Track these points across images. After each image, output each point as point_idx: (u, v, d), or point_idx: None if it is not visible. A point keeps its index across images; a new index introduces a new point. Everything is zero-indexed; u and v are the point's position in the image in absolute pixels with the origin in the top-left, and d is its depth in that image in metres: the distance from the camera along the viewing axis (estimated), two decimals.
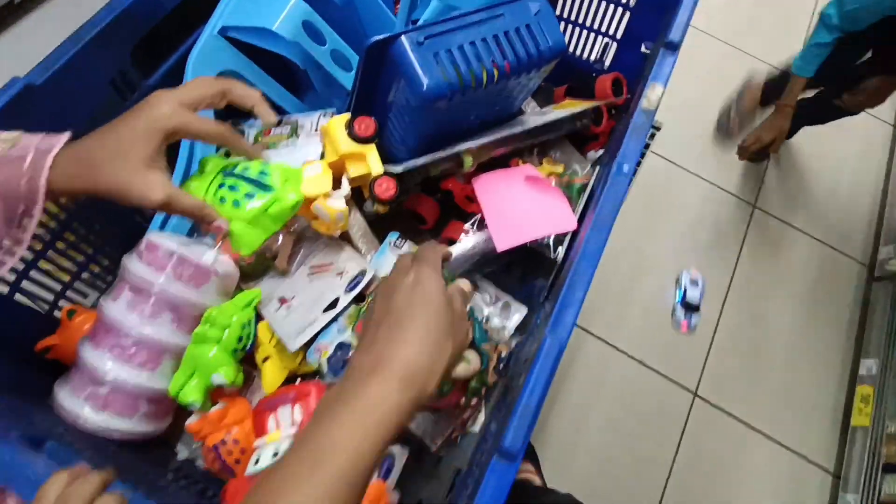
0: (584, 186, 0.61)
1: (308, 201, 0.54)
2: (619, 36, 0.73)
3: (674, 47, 0.48)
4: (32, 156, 0.37)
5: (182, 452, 0.56)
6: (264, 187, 0.47)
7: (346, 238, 0.61)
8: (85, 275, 0.58)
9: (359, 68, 0.53)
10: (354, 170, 0.55)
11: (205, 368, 0.49)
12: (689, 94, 1.57)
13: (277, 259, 0.60)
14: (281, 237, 0.60)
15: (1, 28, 0.51)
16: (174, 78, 0.54)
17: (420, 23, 0.66)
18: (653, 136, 0.79)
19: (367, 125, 0.53)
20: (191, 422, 0.51)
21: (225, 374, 0.49)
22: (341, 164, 0.56)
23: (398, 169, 0.55)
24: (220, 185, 0.46)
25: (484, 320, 0.62)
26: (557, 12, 0.74)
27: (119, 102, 0.52)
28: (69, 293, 0.57)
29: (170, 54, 0.55)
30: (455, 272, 0.62)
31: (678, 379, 1.30)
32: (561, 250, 0.57)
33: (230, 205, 0.45)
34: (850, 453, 1.22)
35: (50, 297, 0.55)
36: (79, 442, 0.45)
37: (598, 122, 0.72)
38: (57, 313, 0.56)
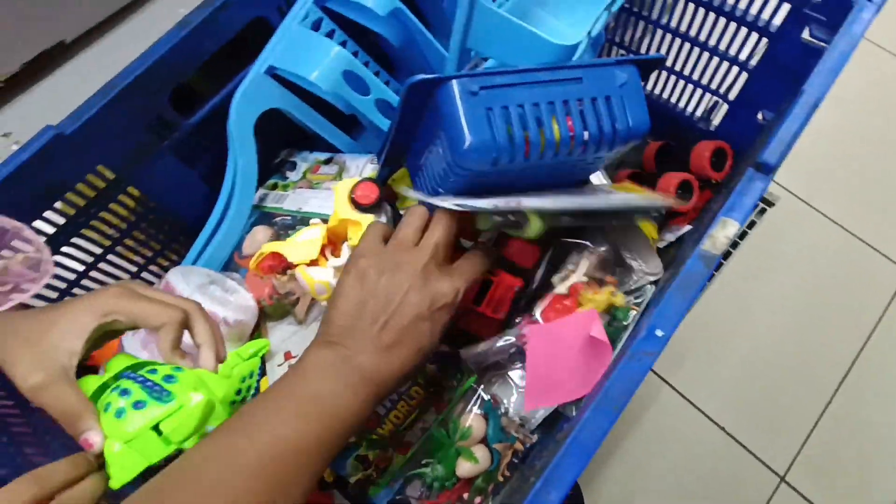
0: (633, 318, 0.51)
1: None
2: (731, 97, 0.60)
3: (768, 170, 0.37)
4: None
5: None
6: (161, 396, 0.35)
7: None
8: None
9: (397, 110, 0.47)
10: (354, 238, 0.51)
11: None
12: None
13: (298, 308, 0.58)
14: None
15: (53, 67, 0.53)
16: (219, 117, 0.54)
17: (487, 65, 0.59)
18: (763, 211, 0.66)
19: (367, 193, 0.49)
20: None
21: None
22: (341, 235, 0.53)
23: (447, 203, 0.48)
24: (113, 388, 0.36)
25: (502, 412, 0.56)
26: None
27: (153, 143, 0.52)
28: None
29: (214, 94, 0.54)
30: (480, 366, 0.56)
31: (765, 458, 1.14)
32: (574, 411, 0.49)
33: (112, 414, 0.34)
34: None
35: None
36: None
37: (688, 197, 0.61)
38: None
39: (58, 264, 0.48)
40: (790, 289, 1.25)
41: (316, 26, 0.55)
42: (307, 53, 0.51)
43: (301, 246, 0.49)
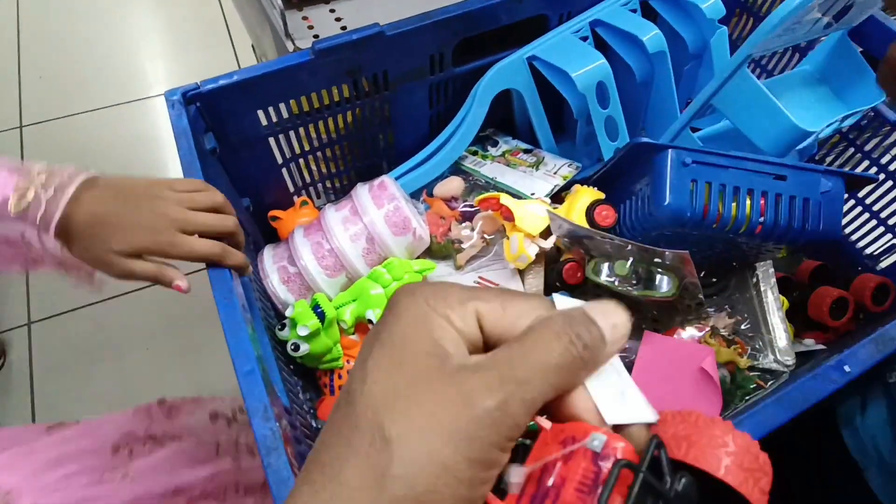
0: (755, 391, 0.54)
1: (512, 225, 0.58)
2: None
3: None
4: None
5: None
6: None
7: (522, 274, 0.64)
8: (327, 183, 0.71)
9: (618, 154, 0.55)
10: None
11: (365, 301, 0.55)
12: None
13: (461, 255, 0.65)
14: (475, 238, 0.65)
15: None
16: (475, 74, 0.64)
17: (701, 135, 0.67)
18: None
19: (606, 215, 0.56)
20: None
21: (377, 315, 0.55)
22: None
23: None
24: None
25: None
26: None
27: (426, 72, 0.62)
28: (311, 189, 0.70)
29: (481, 58, 0.64)
30: None
31: None
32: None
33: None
34: None
35: (299, 184, 0.68)
36: (256, 292, 0.55)
37: (840, 314, 0.64)
38: (295, 198, 0.69)
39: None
40: None
41: (582, 40, 0.64)
42: (575, 56, 0.60)
43: (529, 214, 0.55)
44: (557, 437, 0.17)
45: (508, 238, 0.57)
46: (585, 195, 0.57)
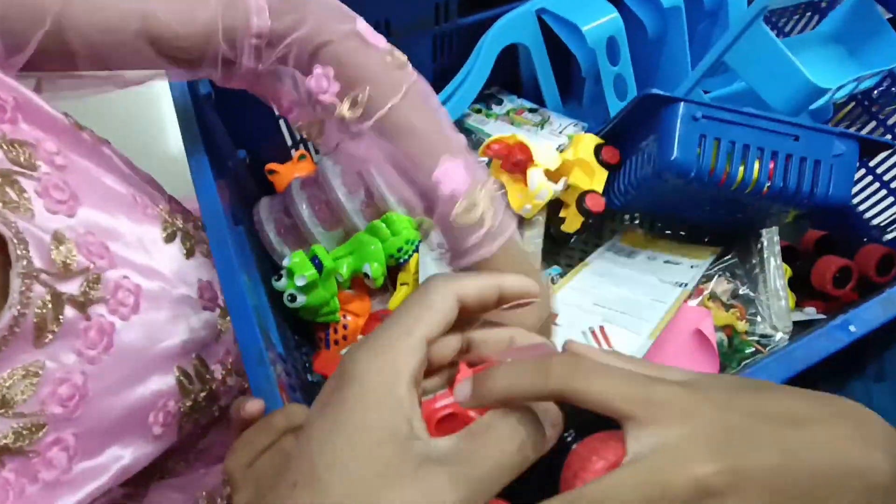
0: (753, 355, 0.54)
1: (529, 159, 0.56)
2: None
3: None
4: None
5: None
6: None
7: (522, 225, 0.62)
8: None
9: (627, 106, 0.53)
10: (575, 179, 0.56)
11: (362, 255, 0.55)
12: None
13: None
14: None
15: None
16: (481, 27, 0.62)
17: (711, 97, 0.65)
18: None
19: (613, 154, 0.55)
20: None
21: (374, 269, 0.54)
22: (566, 171, 0.58)
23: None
24: None
25: None
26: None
27: (430, 22, 0.60)
28: (309, 144, 0.68)
29: (488, 9, 0.62)
30: None
31: None
32: None
33: None
34: None
35: (297, 137, 0.67)
36: (251, 243, 0.54)
37: (844, 283, 0.63)
38: (293, 152, 0.67)
39: None
40: None
41: None
42: (586, 9, 0.58)
43: (545, 149, 0.54)
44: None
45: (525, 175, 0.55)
46: (588, 140, 0.56)
